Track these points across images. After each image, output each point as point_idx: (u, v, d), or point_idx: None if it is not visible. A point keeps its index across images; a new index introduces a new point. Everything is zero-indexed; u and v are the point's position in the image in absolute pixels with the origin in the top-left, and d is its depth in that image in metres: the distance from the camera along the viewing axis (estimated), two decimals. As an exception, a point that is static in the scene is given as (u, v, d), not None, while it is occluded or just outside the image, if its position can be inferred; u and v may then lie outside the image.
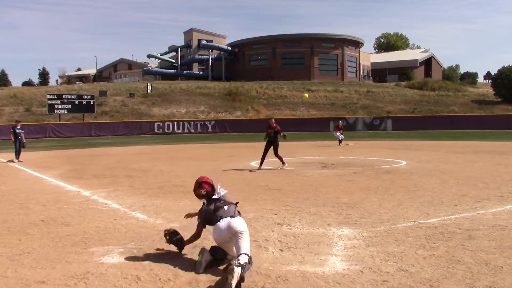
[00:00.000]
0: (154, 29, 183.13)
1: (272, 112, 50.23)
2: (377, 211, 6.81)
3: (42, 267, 4.40)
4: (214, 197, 4.70)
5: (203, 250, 4.36)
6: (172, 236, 4.77)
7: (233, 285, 3.65)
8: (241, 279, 3.72)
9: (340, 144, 22.95)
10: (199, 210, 4.79)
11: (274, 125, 13.22)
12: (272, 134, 13.13)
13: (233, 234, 4.31)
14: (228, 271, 3.74)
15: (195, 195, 4.86)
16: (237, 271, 3.71)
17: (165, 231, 4.87)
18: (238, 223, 4.39)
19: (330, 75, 71.08)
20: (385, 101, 55.53)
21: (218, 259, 4.39)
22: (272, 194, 8.59)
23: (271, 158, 13.17)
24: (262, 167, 12.95)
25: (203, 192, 4.72)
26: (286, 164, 12.91)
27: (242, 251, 4.17)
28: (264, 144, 13.41)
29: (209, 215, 4.58)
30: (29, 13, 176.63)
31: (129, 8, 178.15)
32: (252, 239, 5.27)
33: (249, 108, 51.52)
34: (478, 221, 6.02)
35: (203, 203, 4.79)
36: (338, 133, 23.49)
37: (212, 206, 4.61)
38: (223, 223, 4.40)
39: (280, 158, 13.00)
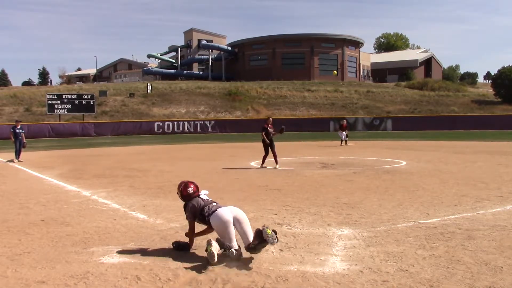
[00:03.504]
0: (154, 29, 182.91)
1: (272, 112, 50.22)
2: (377, 211, 6.81)
3: (42, 267, 4.41)
4: (200, 196, 4.98)
5: (210, 241, 4.50)
6: (176, 247, 4.93)
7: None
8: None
9: (342, 144, 22.92)
10: (185, 210, 4.94)
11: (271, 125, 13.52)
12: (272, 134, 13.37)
13: (237, 220, 4.61)
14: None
15: (182, 195, 4.99)
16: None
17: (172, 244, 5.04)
18: (240, 210, 4.77)
19: (330, 75, 70.96)
20: (385, 101, 55.47)
21: (223, 249, 4.59)
22: (272, 194, 8.59)
23: (270, 158, 13.17)
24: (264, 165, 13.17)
25: (190, 190, 4.95)
26: (278, 165, 13.07)
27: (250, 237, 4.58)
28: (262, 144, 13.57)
29: (197, 211, 4.81)
30: (29, 13, 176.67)
31: (129, 8, 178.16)
32: (252, 239, 5.28)
33: (249, 108, 51.48)
34: (478, 221, 6.02)
35: (189, 202, 4.93)
36: (344, 133, 23.25)
37: (201, 203, 4.86)
38: (223, 211, 4.65)
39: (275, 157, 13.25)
